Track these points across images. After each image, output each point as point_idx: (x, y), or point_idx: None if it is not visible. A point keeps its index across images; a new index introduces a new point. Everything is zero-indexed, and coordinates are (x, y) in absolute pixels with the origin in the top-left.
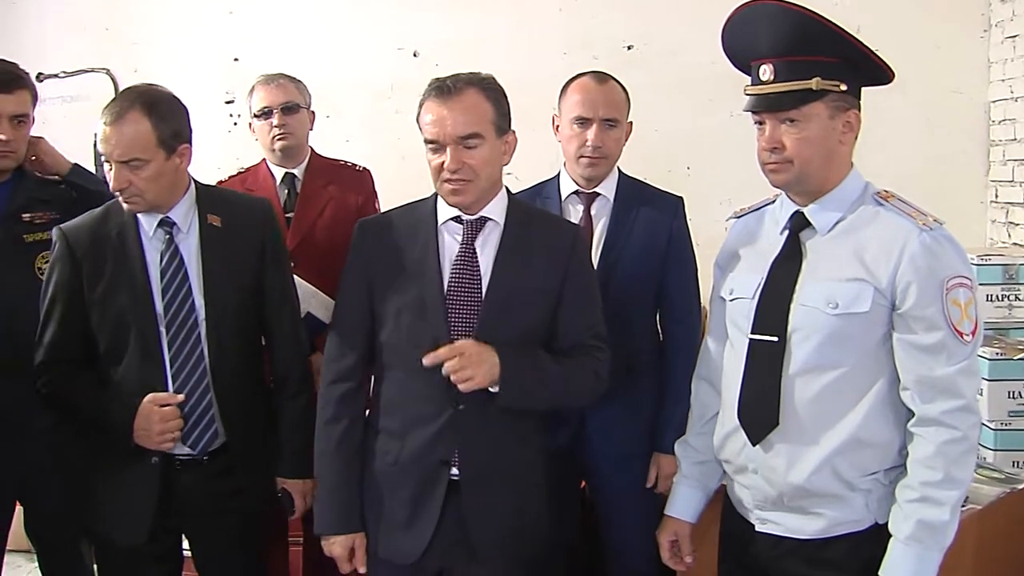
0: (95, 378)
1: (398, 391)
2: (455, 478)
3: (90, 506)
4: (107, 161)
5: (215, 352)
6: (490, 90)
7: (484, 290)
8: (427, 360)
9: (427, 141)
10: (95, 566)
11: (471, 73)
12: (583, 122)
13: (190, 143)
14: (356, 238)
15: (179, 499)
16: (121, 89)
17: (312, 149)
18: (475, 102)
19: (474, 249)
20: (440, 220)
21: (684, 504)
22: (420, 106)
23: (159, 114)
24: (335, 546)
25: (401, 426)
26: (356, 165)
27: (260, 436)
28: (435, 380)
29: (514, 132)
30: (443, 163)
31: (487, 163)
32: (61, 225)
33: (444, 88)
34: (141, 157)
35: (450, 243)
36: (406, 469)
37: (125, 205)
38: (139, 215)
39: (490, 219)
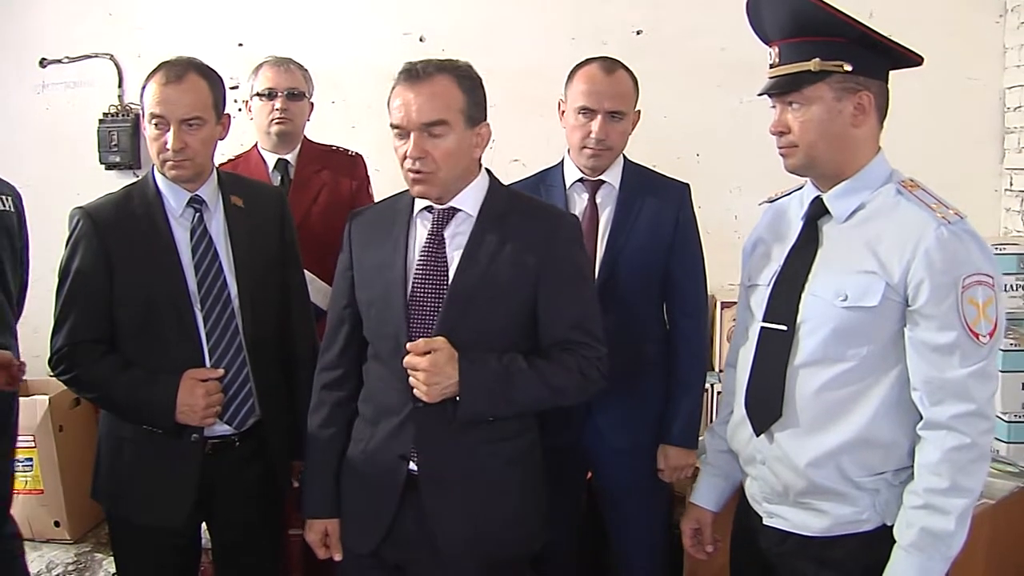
0: (122, 359)
1: (373, 383)
2: (415, 473)
3: (121, 489)
4: (158, 124)
5: (249, 327)
6: (464, 78)
7: (448, 285)
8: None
9: (393, 126)
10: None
11: (446, 60)
12: (587, 112)
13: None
14: (345, 230)
15: (210, 485)
16: (126, 74)
17: (305, 136)
18: (444, 88)
19: (442, 239)
20: (416, 210)
21: (707, 492)
22: (391, 90)
23: (211, 79)
24: (310, 531)
25: (374, 415)
26: (348, 150)
27: (287, 415)
28: (399, 374)
29: (488, 125)
30: (407, 151)
31: (451, 154)
32: (82, 205)
33: (414, 72)
34: (202, 116)
35: (422, 234)
36: (372, 459)
37: (172, 171)
38: (165, 195)
39: (461, 210)
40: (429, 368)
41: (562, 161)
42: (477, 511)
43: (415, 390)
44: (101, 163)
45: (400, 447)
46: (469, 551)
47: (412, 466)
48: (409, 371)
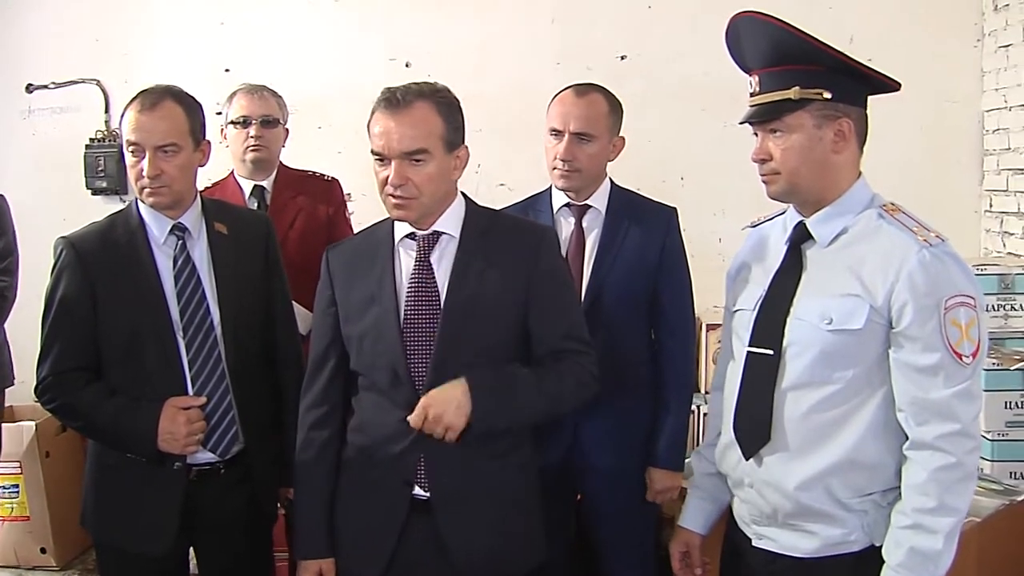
0: (106, 387)
1: (368, 413)
2: (422, 498)
3: (106, 516)
4: (135, 151)
5: (232, 355)
6: (442, 104)
7: (442, 307)
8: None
9: (374, 153)
10: None
11: (424, 84)
12: (556, 134)
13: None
14: (322, 266)
15: (195, 512)
16: (112, 100)
17: (280, 161)
18: (424, 116)
19: (429, 265)
20: (397, 238)
21: (694, 515)
22: (371, 115)
23: (188, 106)
24: (305, 573)
25: (372, 445)
26: (324, 175)
27: (272, 442)
28: (399, 403)
29: (466, 147)
30: (387, 177)
31: (432, 180)
32: (66, 235)
33: (394, 100)
34: (177, 143)
35: (407, 262)
36: (372, 488)
37: (150, 199)
38: (148, 223)
39: (444, 233)
40: (435, 408)
41: (550, 187)
42: (493, 527)
43: (446, 437)
44: (88, 189)
45: (405, 473)
46: (487, 568)
47: (417, 490)
48: (428, 432)
